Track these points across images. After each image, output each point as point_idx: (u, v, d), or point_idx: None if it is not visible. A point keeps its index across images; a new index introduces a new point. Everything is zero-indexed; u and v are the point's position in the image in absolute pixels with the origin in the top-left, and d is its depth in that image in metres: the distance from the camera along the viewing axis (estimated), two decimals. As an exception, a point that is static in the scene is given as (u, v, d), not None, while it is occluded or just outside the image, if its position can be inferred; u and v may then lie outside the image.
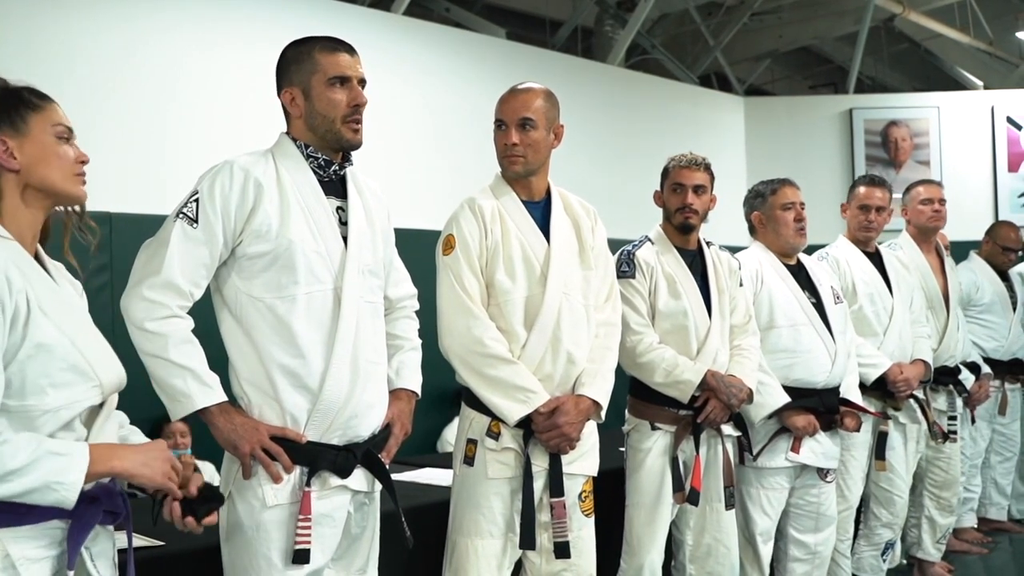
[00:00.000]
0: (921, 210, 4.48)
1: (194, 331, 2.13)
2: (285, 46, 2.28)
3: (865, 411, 3.73)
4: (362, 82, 2.25)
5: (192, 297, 2.12)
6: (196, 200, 2.12)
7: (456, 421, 2.81)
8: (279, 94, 2.27)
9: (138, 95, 5.08)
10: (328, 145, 2.24)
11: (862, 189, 4.08)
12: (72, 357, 1.66)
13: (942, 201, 4.48)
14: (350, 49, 2.25)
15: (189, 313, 2.13)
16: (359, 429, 2.20)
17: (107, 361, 1.76)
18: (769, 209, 3.61)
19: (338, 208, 2.24)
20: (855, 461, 3.81)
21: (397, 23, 6.49)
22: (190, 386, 2.04)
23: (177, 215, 2.12)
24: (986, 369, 4.85)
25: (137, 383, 1.96)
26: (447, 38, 6.92)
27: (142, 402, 2.13)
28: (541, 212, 2.75)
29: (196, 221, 2.10)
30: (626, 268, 3.18)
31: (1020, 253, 5.24)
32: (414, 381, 2.42)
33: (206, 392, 2.08)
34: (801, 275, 3.62)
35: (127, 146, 4.90)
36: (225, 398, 2.12)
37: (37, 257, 1.76)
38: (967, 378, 4.56)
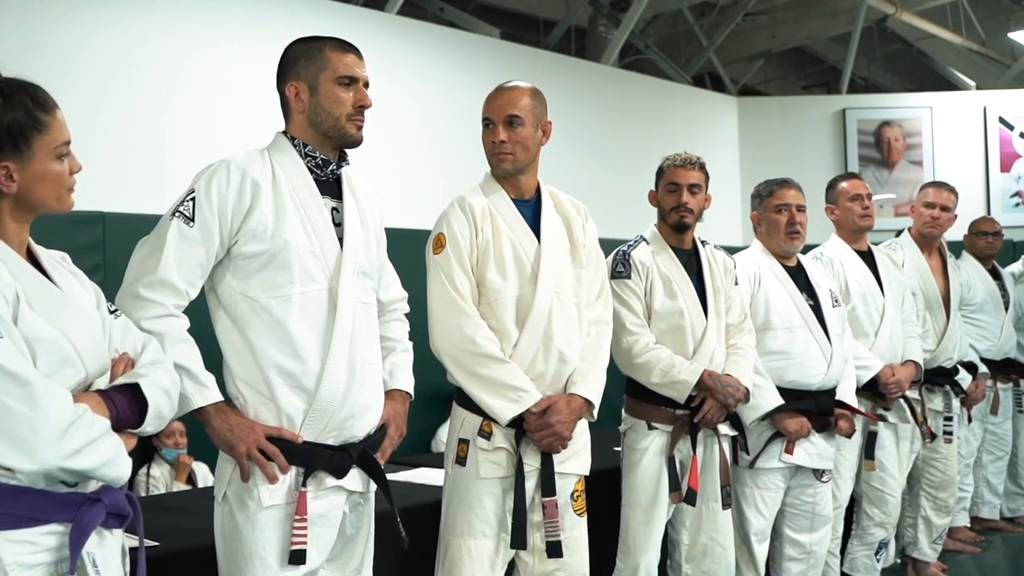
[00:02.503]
0: (921, 212, 4.47)
1: (188, 331, 2.12)
2: (292, 41, 2.28)
3: (862, 413, 3.72)
4: (366, 85, 2.26)
5: (188, 296, 2.11)
6: (192, 199, 2.11)
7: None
8: (282, 87, 2.25)
9: (132, 95, 5.08)
10: (329, 142, 2.24)
11: (845, 184, 4.07)
12: (63, 349, 1.66)
13: (944, 208, 4.45)
14: (358, 52, 2.27)
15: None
16: (355, 430, 2.20)
17: (96, 351, 1.75)
18: (765, 210, 3.61)
19: (333, 208, 2.24)
20: (845, 461, 3.80)
21: (391, 23, 6.49)
22: (186, 386, 2.03)
23: (173, 214, 2.11)
24: (983, 369, 4.85)
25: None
26: (441, 38, 6.93)
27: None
28: (531, 210, 2.74)
29: (192, 220, 2.09)
30: (621, 268, 3.18)
31: (999, 235, 5.25)
32: (407, 382, 2.41)
33: (202, 392, 2.07)
34: (800, 277, 3.61)
35: (121, 146, 4.90)
36: (221, 398, 2.11)
37: (30, 252, 1.76)
38: (964, 378, 4.56)
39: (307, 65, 2.21)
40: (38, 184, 1.71)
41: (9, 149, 1.68)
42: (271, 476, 2.09)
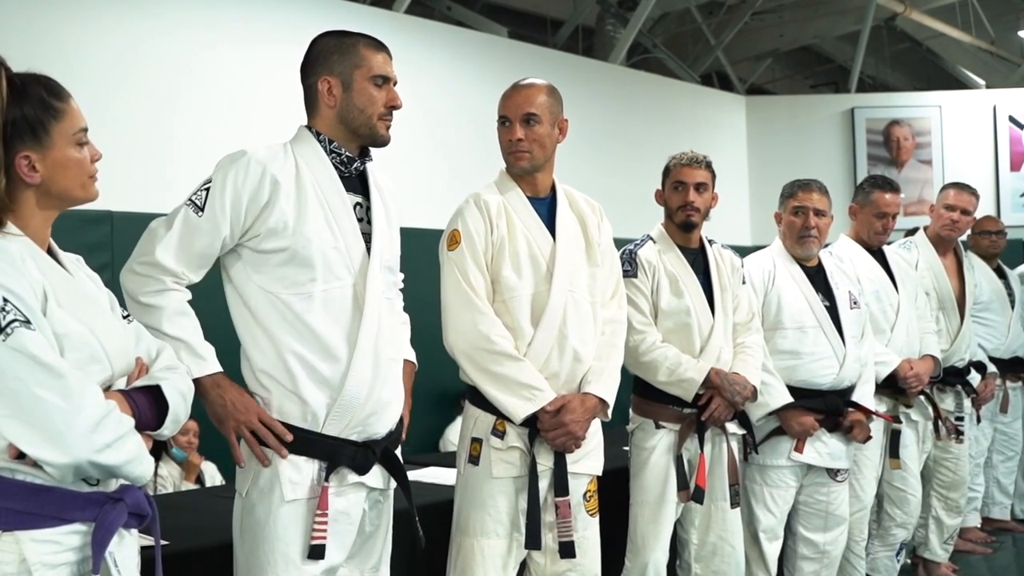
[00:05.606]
0: (941, 214, 4.45)
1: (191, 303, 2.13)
2: (321, 34, 2.26)
3: (874, 414, 3.68)
4: (395, 85, 2.25)
5: (185, 276, 2.11)
6: (207, 189, 2.11)
7: (459, 420, 2.79)
8: (311, 80, 2.22)
9: (140, 94, 5.09)
10: (358, 139, 2.23)
11: (876, 194, 3.95)
12: (90, 346, 1.66)
13: (965, 212, 4.42)
14: (388, 51, 2.26)
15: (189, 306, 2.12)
16: (377, 426, 2.19)
17: (121, 350, 1.75)
18: (784, 211, 3.58)
19: (356, 204, 2.23)
20: (868, 461, 3.77)
21: (399, 22, 6.49)
22: (183, 358, 2.01)
23: (187, 201, 2.13)
24: (992, 368, 4.83)
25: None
26: (449, 37, 6.92)
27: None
28: (547, 209, 2.73)
29: (202, 210, 2.10)
30: (628, 267, 3.17)
31: (1002, 234, 5.23)
32: (410, 353, 2.40)
33: (199, 364, 2.06)
34: (819, 278, 3.58)
35: (129, 145, 4.90)
36: (219, 369, 2.10)
37: (50, 252, 1.75)
38: (973, 378, 4.54)
39: (341, 60, 2.20)
40: (61, 172, 1.70)
41: (28, 138, 1.67)
42: (260, 457, 2.07)
